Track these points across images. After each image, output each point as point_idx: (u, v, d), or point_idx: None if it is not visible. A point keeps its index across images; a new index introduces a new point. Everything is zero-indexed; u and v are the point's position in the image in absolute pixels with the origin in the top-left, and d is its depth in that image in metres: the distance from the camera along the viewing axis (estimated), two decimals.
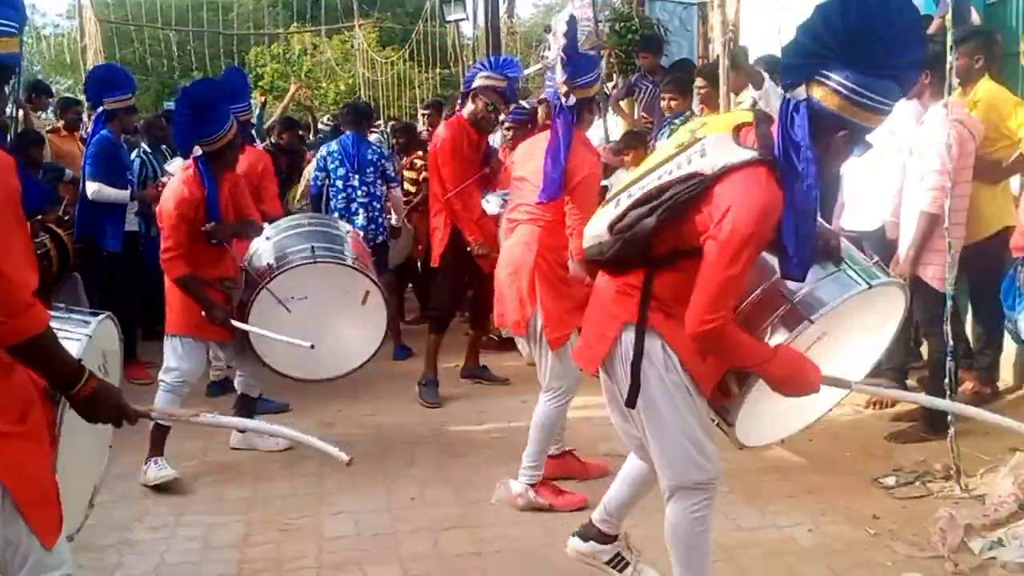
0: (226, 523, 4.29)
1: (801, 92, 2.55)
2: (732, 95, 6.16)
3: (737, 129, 2.68)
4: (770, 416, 3.03)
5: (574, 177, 4.16)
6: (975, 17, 6.52)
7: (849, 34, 2.47)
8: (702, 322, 2.59)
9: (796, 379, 2.69)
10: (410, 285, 8.82)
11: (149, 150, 7.55)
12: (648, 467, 3.16)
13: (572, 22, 4.60)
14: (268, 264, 5.10)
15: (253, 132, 8.32)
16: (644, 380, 2.82)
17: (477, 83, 5.88)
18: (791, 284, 2.82)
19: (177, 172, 5.17)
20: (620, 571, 3.40)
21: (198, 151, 4.76)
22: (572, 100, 4.22)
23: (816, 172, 2.51)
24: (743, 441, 3.02)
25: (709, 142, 2.65)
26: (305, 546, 4.03)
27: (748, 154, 2.58)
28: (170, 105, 8.69)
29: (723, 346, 2.67)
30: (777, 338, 2.79)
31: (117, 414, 2.56)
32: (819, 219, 2.87)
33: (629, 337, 2.82)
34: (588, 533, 3.41)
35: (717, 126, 2.73)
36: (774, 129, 2.58)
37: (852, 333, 3.08)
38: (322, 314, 5.13)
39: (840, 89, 2.49)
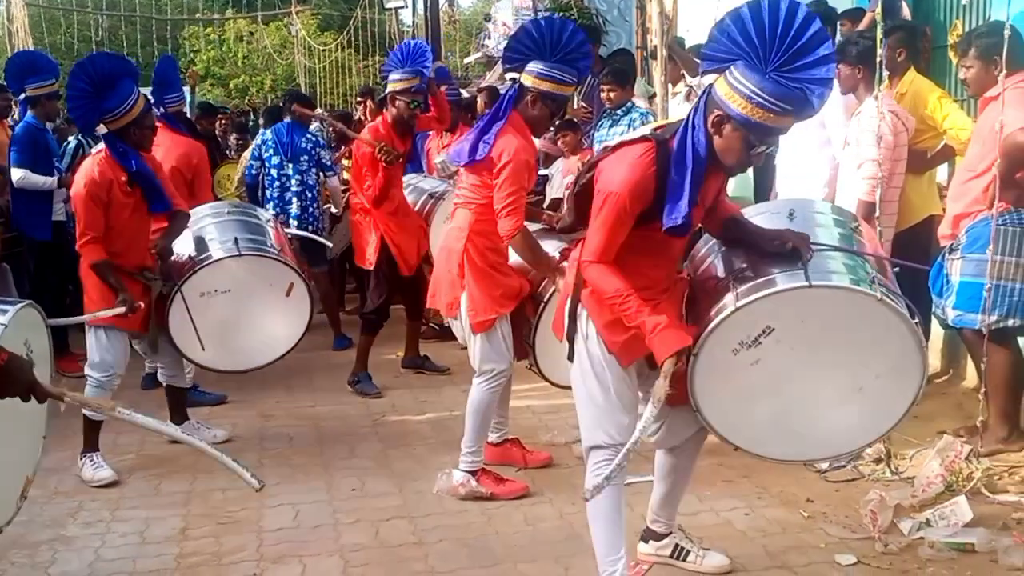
0: (163, 517, 4.23)
1: (710, 79, 2.87)
2: (669, 85, 6.23)
3: (662, 125, 3.06)
4: (773, 428, 3.09)
5: (498, 160, 4.10)
6: (905, 11, 6.66)
7: (760, 40, 2.71)
8: (583, 257, 3.01)
9: (656, 337, 2.89)
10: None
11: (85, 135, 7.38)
12: (673, 457, 3.39)
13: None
14: (189, 256, 4.95)
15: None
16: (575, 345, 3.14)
17: (390, 88, 5.86)
18: (744, 271, 3.00)
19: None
20: (684, 560, 3.53)
21: (102, 129, 4.63)
22: (512, 75, 4.28)
23: (703, 146, 2.82)
24: (724, 433, 3.10)
25: (637, 127, 2.91)
26: (244, 539, 3.99)
27: (640, 133, 2.99)
28: None
29: (596, 281, 2.99)
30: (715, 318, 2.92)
31: (28, 390, 2.52)
32: (789, 223, 3.04)
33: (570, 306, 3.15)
34: (647, 536, 3.56)
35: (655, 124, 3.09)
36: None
37: (847, 353, 3.01)
38: (245, 306, 5.06)
39: (732, 80, 2.76)
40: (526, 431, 4.98)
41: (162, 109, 5.98)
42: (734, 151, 2.83)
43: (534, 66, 4.19)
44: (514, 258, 4.32)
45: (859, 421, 3.12)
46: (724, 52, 2.77)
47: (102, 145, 4.75)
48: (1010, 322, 4.31)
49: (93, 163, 4.65)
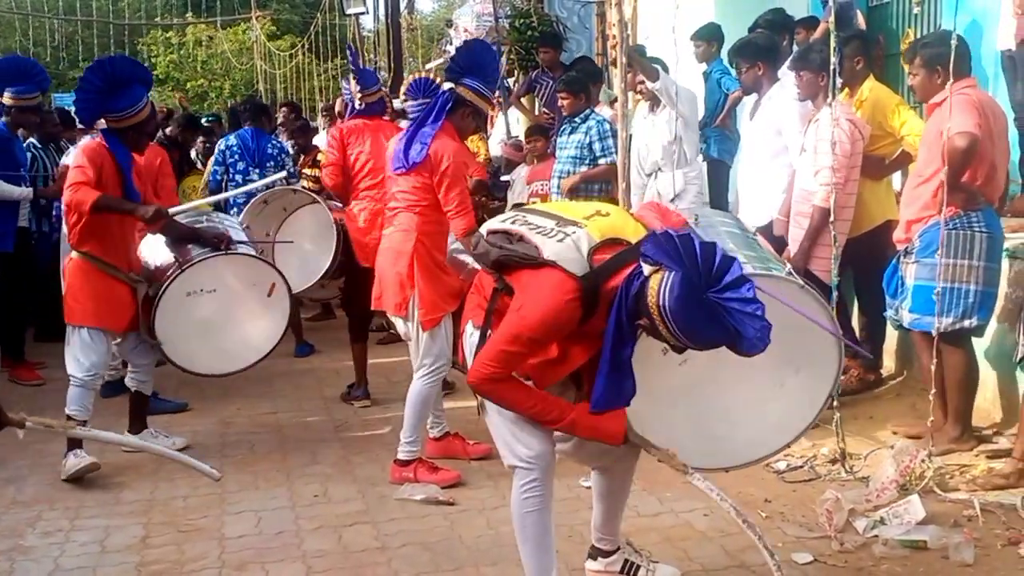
0: (123, 526, 4.20)
1: (647, 269, 2.66)
2: (630, 93, 6.27)
3: (604, 245, 2.84)
4: (694, 435, 3.11)
5: (438, 162, 4.34)
6: (860, 20, 6.78)
7: (700, 264, 2.59)
8: (474, 372, 2.95)
9: (594, 435, 2.97)
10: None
11: (39, 145, 7.25)
12: (608, 476, 3.37)
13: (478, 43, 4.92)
14: (175, 257, 4.97)
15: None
16: None
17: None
18: None
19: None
20: (634, 575, 3.50)
21: (102, 124, 4.66)
22: (448, 85, 4.46)
23: (632, 329, 2.76)
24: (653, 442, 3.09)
25: (576, 237, 2.83)
26: (206, 546, 3.98)
27: (575, 268, 2.79)
28: (59, 98, 8.35)
29: (496, 399, 3.00)
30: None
31: None
32: (694, 226, 3.00)
33: (475, 338, 3.12)
34: (595, 554, 3.52)
35: (600, 227, 2.89)
36: (618, 282, 2.75)
37: (771, 347, 3.04)
38: (228, 307, 5.15)
39: (661, 294, 2.59)
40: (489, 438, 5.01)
41: None
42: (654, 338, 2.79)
43: (471, 81, 4.48)
44: None
45: (778, 420, 3.15)
46: (669, 259, 2.61)
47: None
48: (966, 323, 4.41)
49: (89, 144, 4.71)
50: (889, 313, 4.83)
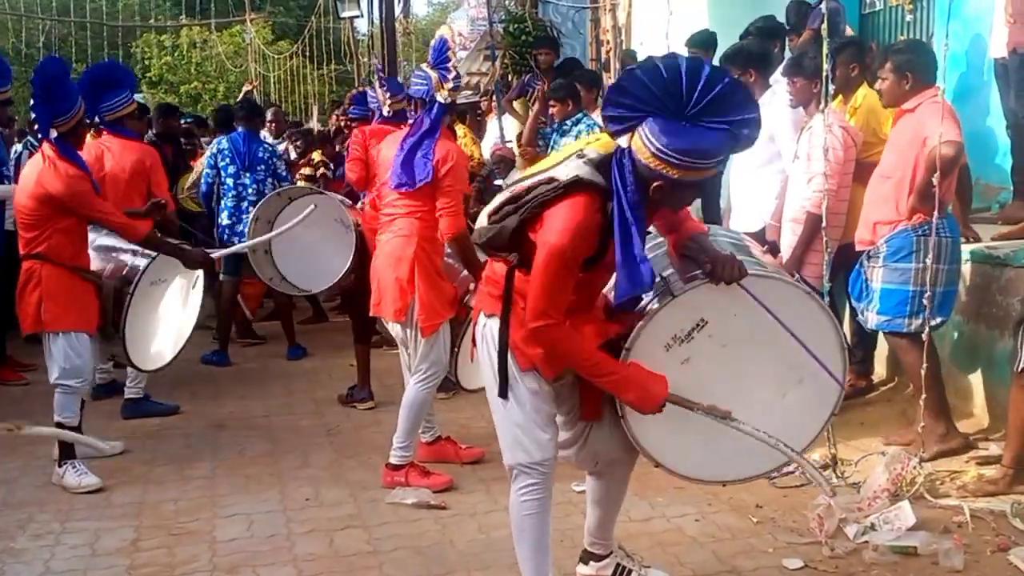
0: (114, 528, 4.19)
1: (624, 141, 2.72)
2: None
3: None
4: (704, 451, 3.06)
5: (441, 166, 4.34)
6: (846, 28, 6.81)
7: (665, 96, 2.62)
8: (530, 321, 2.83)
9: (639, 397, 2.87)
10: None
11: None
12: (603, 481, 3.35)
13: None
14: (122, 251, 5.05)
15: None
16: (485, 367, 3.07)
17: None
18: (670, 270, 3.03)
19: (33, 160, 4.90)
20: None
21: (54, 133, 4.61)
22: (449, 99, 4.39)
23: (638, 212, 2.73)
24: (648, 448, 3.07)
25: (587, 150, 2.82)
26: (197, 549, 3.97)
27: (595, 178, 2.77)
28: None
29: (553, 349, 2.89)
30: (652, 309, 2.89)
31: None
32: (713, 243, 2.97)
33: (492, 327, 3.02)
34: (587, 558, 3.50)
35: (600, 145, 2.87)
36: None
37: (774, 354, 3.00)
38: (168, 295, 5.32)
39: (650, 145, 2.63)
40: (481, 440, 5.01)
41: (98, 118, 5.88)
42: (675, 203, 2.85)
43: (449, 82, 4.39)
44: None
45: (781, 430, 3.04)
46: (627, 109, 2.65)
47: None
48: (931, 322, 4.44)
49: (59, 175, 4.53)
50: (859, 316, 4.85)
